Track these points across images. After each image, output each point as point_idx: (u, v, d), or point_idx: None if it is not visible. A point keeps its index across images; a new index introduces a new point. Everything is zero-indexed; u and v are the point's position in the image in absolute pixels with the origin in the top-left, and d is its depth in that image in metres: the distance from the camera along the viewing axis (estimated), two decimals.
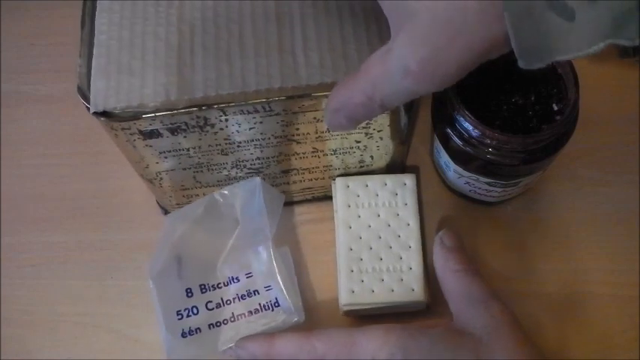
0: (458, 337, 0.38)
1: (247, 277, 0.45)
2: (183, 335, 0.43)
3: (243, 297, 0.45)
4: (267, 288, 0.44)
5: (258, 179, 0.45)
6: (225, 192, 0.45)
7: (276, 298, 0.44)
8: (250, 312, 0.44)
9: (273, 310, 0.44)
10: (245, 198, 0.45)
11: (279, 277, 0.44)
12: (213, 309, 0.44)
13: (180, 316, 0.44)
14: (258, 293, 0.44)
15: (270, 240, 0.45)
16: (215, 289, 0.45)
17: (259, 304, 0.44)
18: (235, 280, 0.45)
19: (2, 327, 0.47)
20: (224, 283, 0.45)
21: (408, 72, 0.28)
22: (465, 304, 0.40)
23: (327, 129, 0.40)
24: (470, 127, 0.40)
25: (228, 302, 0.45)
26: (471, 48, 0.27)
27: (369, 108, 0.31)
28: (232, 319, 0.44)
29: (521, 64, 0.26)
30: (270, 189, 0.46)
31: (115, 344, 0.46)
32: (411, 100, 0.40)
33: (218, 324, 0.44)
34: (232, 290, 0.45)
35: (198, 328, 0.43)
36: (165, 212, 0.49)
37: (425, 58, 0.27)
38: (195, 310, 0.44)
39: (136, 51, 0.36)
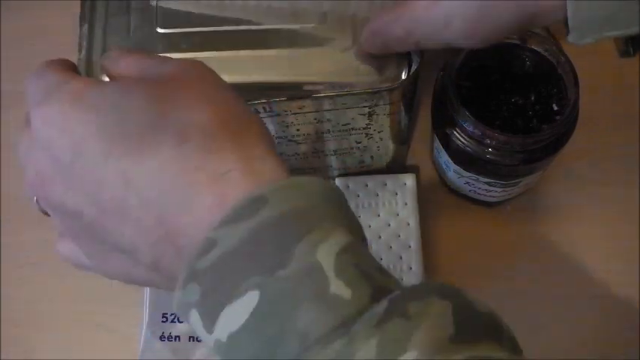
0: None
1: None
2: (162, 338, 0.43)
3: None
4: None
5: None
6: None
7: None
8: None
9: None
10: None
11: None
12: None
13: (164, 319, 0.44)
14: None
15: None
16: None
17: None
18: None
19: (2, 327, 0.47)
20: None
21: (450, 26, 0.29)
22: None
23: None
24: (470, 127, 0.40)
25: None
26: (519, 13, 0.27)
27: (404, 43, 0.32)
28: None
29: (572, 38, 0.26)
30: None
31: (115, 344, 0.46)
32: (411, 101, 0.40)
33: (199, 339, 0.44)
34: None
35: (178, 337, 0.43)
36: None
37: (471, 18, 0.28)
38: (181, 318, 0.44)
39: None
